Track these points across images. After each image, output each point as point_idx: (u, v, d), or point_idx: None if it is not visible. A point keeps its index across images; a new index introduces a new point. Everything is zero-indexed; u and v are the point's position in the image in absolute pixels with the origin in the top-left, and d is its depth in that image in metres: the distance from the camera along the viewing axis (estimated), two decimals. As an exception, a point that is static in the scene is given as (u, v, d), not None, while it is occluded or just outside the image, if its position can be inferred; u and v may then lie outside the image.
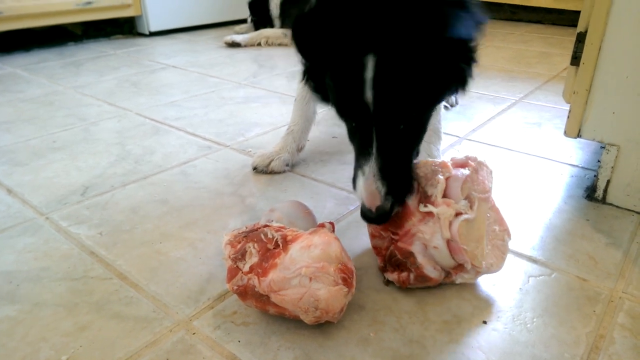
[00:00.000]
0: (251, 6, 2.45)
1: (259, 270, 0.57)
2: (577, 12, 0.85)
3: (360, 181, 0.60)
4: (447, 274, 0.64)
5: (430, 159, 0.67)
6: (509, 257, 0.73)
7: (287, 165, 1.00)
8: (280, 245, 0.58)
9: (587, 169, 1.01)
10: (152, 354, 0.56)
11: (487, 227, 0.64)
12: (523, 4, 2.65)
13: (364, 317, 0.61)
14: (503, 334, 0.59)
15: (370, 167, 0.59)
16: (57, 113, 1.35)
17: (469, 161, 0.65)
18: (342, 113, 0.62)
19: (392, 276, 0.65)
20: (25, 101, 1.45)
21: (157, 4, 2.37)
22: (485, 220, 0.64)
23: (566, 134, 0.88)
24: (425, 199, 0.63)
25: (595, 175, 0.89)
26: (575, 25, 0.85)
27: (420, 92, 0.59)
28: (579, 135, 0.87)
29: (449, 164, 0.65)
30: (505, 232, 0.68)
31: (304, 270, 0.55)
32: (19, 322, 0.61)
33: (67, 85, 1.61)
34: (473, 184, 0.63)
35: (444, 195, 0.62)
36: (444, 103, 0.92)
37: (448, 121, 1.26)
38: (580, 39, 0.82)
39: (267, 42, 2.26)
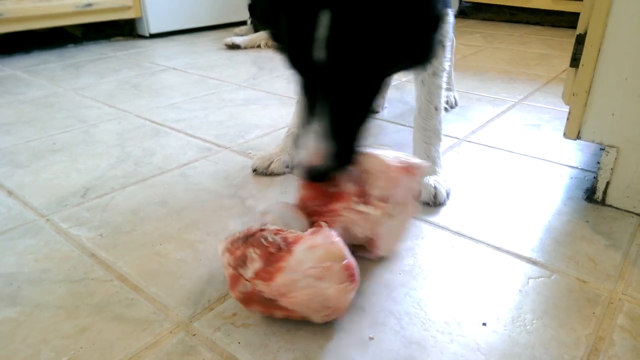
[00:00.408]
0: (251, 8, 2.46)
1: (265, 275, 0.56)
2: (577, 14, 0.86)
3: (305, 138, 0.59)
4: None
5: (383, 158, 0.67)
6: (509, 259, 0.73)
7: (287, 167, 1.01)
8: (284, 248, 0.57)
9: (586, 170, 1.01)
10: (152, 356, 0.56)
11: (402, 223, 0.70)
12: (522, 6, 2.66)
13: (363, 319, 0.61)
14: (503, 336, 0.59)
15: (317, 126, 0.57)
16: (57, 115, 1.35)
17: (414, 169, 0.68)
18: (293, 68, 0.60)
19: None
20: (26, 103, 1.46)
21: (157, 6, 2.37)
22: (406, 223, 0.71)
23: (565, 135, 0.88)
24: (363, 195, 0.66)
25: (594, 177, 0.89)
26: (574, 27, 0.86)
27: (375, 55, 0.57)
28: (578, 137, 0.87)
29: (396, 167, 0.66)
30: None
31: (311, 271, 0.55)
32: (19, 324, 0.61)
33: (67, 87, 1.61)
34: (410, 191, 0.68)
35: (381, 196, 0.65)
36: (443, 105, 0.92)
37: (447, 122, 1.26)
38: (580, 40, 0.82)
39: (266, 44, 2.26)
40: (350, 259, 0.59)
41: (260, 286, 0.56)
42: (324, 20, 0.53)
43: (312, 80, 0.59)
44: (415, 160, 0.68)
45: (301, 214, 0.71)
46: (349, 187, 0.66)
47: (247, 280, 0.57)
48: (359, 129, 0.63)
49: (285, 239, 0.59)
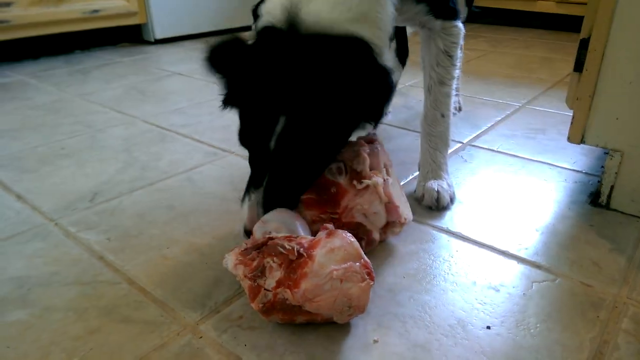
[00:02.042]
0: (255, 13, 2.47)
1: (290, 283, 0.57)
2: (580, 18, 0.86)
3: (246, 204, 0.68)
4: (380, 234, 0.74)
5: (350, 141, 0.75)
6: (513, 263, 0.74)
7: None
8: (304, 254, 0.58)
9: (590, 174, 1.01)
10: (160, 358, 0.57)
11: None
12: (526, 10, 2.66)
13: (368, 322, 0.62)
14: (507, 339, 0.59)
15: (257, 196, 0.67)
16: (65, 120, 1.37)
17: (375, 138, 0.77)
18: (244, 143, 0.68)
19: None
20: (33, 108, 1.47)
21: (163, 12, 2.39)
22: (398, 181, 0.79)
23: (569, 139, 0.88)
24: (356, 175, 0.71)
25: (599, 181, 0.89)
26: (578, 31, 0.86)
27: (320, 148, 0.67)
28: (582, 141, 0.87)
29: (359, 141, 0.75)
30: (402, 187, 0.81)
31: (335, 274, 0.56)
32: (30, 326, 0.62)
33: (75, 93, 1.63)
34: (384, 155, 0.76)
35: (367, 169, 0.72)
36: (452, 112, 0.93)
37: (451, 127, 1.27)
38: (584, 45, 0.83)
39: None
40: (365, 257, 0.60)
41: (285, 294, 0.56)
42: (280, 123, 0.62)
43: (262, 159, 0.66)
44: (367, 131, 0.77)
45: (300, 217, 0.72)
46: (340, 180, 0.71)
47: (268, 290, 0.58)
48: (300, 190, 0.71)
49: (301, 245, 0.59)
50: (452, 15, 0.85)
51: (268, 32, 0.66)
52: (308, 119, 0.63)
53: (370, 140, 0.77)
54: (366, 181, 0.71)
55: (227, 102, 0.69)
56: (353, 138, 0.75)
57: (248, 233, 0.67)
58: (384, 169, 0.75)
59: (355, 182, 0.71)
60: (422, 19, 0.84)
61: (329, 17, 0.63)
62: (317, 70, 0.62)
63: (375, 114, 0.69)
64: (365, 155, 0.72)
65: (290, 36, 0.64)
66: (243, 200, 0.69)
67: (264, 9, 0.68)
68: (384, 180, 0.72)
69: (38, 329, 0.61)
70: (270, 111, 0.63)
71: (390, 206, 0.73)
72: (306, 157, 0.66)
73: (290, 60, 0.63)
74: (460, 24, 0.86)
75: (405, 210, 0.75)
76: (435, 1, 0.82)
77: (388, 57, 0.71)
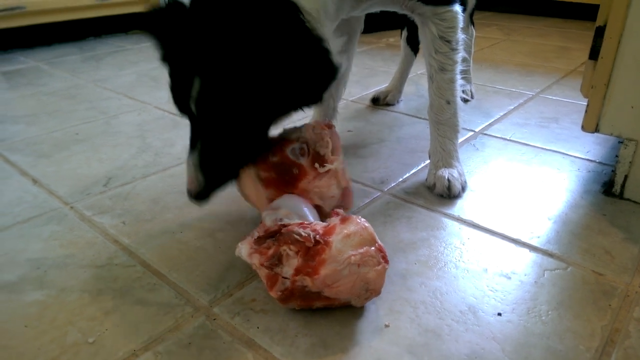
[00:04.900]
0: None
1: (309, 270, 0.57)
2: (596, 6, 0.85)
3: (186, 167, 0.69)
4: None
5: (310, 123, 0.75)
6: (525, 251, 0.74)
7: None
8: (321, 241, 0.58)
9: (604, 164, 1.00)
10: (174, 338, 0.58)
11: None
12: (541, -2, 2.61)
13: (380, 307, 0.63)
14: (518, 326, 0.59)
15: (193, 159, 0.67)
16: (79, 106, 1.38)
17: (331, 124, 0.77)
18: (174, 104, 0.68)
19: None
20: (48, 94, 1.49)
21: (174, -1, 2.39)
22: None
23: (584, 128, 0.87)
24: (319, 158, 0.72)
25: (612, 170, 0.88)
26: (594, 19, 0.85)
27: (244, 110, 0.64)
28: (596, 130, 0.86)
29: (317, 124, 0.75)
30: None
31: (352, 259, 0.57)
32: (47, 307, 0.63)
33: (88, 79, 1.64)
34: (335, 139, 0.75)
35: (327, 152, 0.72)
36: (458, 98, 0.92)
37: (463, 115, 1.25)
38: (599, 33, 0.81)
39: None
40: (378, 240, 0.61)
41: (305, 281, 0.57)
42: (195, 85, 0.61)
43: (191, 122, 0.67)
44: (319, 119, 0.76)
45: (308, 203, 0.72)
46: (302, 161, 0.71)
47: (286, 278, 0.58)
48: (238, 159, 0.71)
49: (316, 232, 0.60)
50: (444, 0, 0.82)
51: None
52: (221, 81, 0.61)
53: (328, 125, 0.76)
54: (328, 165, 0.71)
55: (163, 61, 0.69)
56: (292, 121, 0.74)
57: (190, 194, 0.68)
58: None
59: (317, 165, 0.71)
60: (409, 3, 0.81)
61: None
62: (230, 31, 0.60)
63: (305, 91, 0.66)
64: (329, 140, 0.73)
65: None
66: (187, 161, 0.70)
67: None
68: (343, 166, 0.74)
69: (55, 310, 0.63)
70: (187, 72, 0.62)
71: (346, 192, 0.74)
72: (230, 123, 0.64)
73: (208, 21, 0.61)
74: (455, 8, 0.83)
75: (351, 194, 0.77)
76: None
77: (327, 34, 0.68)
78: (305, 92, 0.67)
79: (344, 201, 0.75)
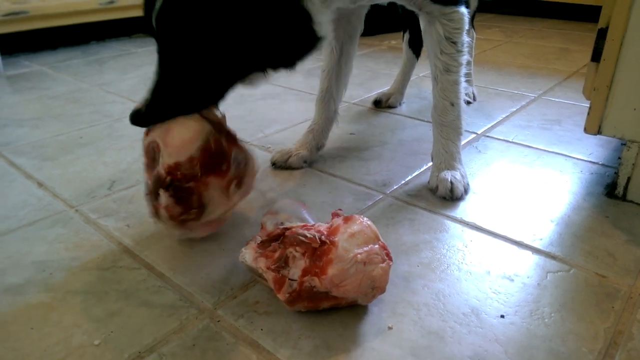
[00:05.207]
0: None
1: (316, 270, 0.58)
2: (597, 8, 0.85)
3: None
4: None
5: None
6: (527, 254, 0.74)
7: (305, 162, 1.02)
8: (328, 242, 0.59)
9: (607, 166, 1.00)
10: (179, 340, 0.58)
11: None
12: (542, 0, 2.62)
13: (383, 309, 0.63)
14: (520, 328, 0.60)
15: (148, 92, 0.67)
16: (83, 110, 1.39)
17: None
18: (144, 24, 0.67)
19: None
20: (52, 98, 1.50)
21: (177, 2, 2.40)
22: None
23: (586, 131, 0.88)
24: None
25: (615, 173, 0.89)
26: (596, 21, 0.85)
27: (201, 40, 0.62)
28: (599, 132, 0.86)
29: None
30: None
31: (359, 257, 0.58)
32: (52, 309, 0.64)
33: (92, 83, 1.65)
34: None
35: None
36: (463, 100, 0.92)
37: (466, 117, 1.26)
38: (602, 34, 0.82)
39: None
40: (382, 240, 0.61)
41: (313, 282, 0.58)
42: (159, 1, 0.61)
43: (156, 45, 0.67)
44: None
45: (306, 206, 0.73)
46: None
47: (293, 280, 0.59)
48: (190, 96, 0.69)
49: (321, 233, 0.60)
50: (452, 0, 0.82)
51: None
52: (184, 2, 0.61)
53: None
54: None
55: None
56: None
57: (132, 115, 0.69)
58: None
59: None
60: (417, 1, 0.81)
61: None
62: None
63: (277, 52, 0.65)
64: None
65: None
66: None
67: None
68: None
69: (60, 311, 0.63)
70: None
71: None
72: (188, 50, 0.63)
73: None
74: (462, 9, 0.83)
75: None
76: None
77: (319, 13, 0.66)
78: (277, 52, 0.66)
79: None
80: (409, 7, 0.85)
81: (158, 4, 0.61)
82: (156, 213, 0.70)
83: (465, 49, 0.87)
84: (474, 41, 1.44)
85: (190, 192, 0.67)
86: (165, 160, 0.67)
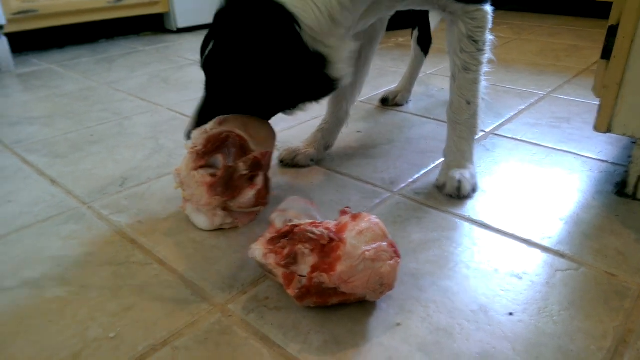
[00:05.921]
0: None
1: (325, 267, 0.59)
2: (609, 4, 0.84)
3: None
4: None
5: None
6: (536, 252, 0.74)
7: (312, 160, 1.03)
8: (336, 239, 0.60)
9: (617, 164, 1.00)
10: (192, 334, 0.59)
11: None
12: (552, -3, 2.60)
13: (391, 306, 0.63)
14: (529, 325, 0.60)
15: (198, 106, 0.86)
16: (93, 108, 1.41)
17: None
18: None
19: None
20: (62, 96, 1.52)
21: (184, 1, 2.41)
22: None
23: (596, 129, 0.87)
24: (243, 149, 0.81)
25: (625, 171, 0.88)
26: (606, 18, 0.85)
27: (236, 83, 0.78)
28: (609, 130, 0.86)
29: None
30: None
31: (367, 254, 0.58)
32: (68, 303, 0.65)
33: (101, 81, 1.67)
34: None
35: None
36: (480, 99, 0.91)
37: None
38: (612, 32, 0.81)
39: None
40: (390, 237, 0.62)
41: (322, 278, 0.58)
42: (209, 46, 0.79)
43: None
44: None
45: (314, 204, 0.74)
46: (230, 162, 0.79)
47: (302, 276, 0.60)
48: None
49: (329, 230, 0.61)
50: None
51: None
52: (225, 55, 0.77)
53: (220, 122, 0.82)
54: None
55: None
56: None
57: (187, 135, 0.84)
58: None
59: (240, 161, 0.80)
60: (441, 2, 0.82)
61: None
62: (233, 26, 0.75)
63: (297, 97, 0.79)
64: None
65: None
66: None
67: None
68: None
69: (76, 306, 0.65)
70: (208, 36, 0.80)
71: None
72: (226, 87, 0.80)
73: (228, 13, 0.77)
74: (486, 7, 0.83)
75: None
76: None
77: (335, 42, 0.74)
78: (292, 98, 0.79)
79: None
80: (433, 9, 0.86)
81: (207, 50, 0.79)
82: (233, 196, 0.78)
83: (487, 48, 0.86)
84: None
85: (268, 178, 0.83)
86: (257, 148, 0.80)
